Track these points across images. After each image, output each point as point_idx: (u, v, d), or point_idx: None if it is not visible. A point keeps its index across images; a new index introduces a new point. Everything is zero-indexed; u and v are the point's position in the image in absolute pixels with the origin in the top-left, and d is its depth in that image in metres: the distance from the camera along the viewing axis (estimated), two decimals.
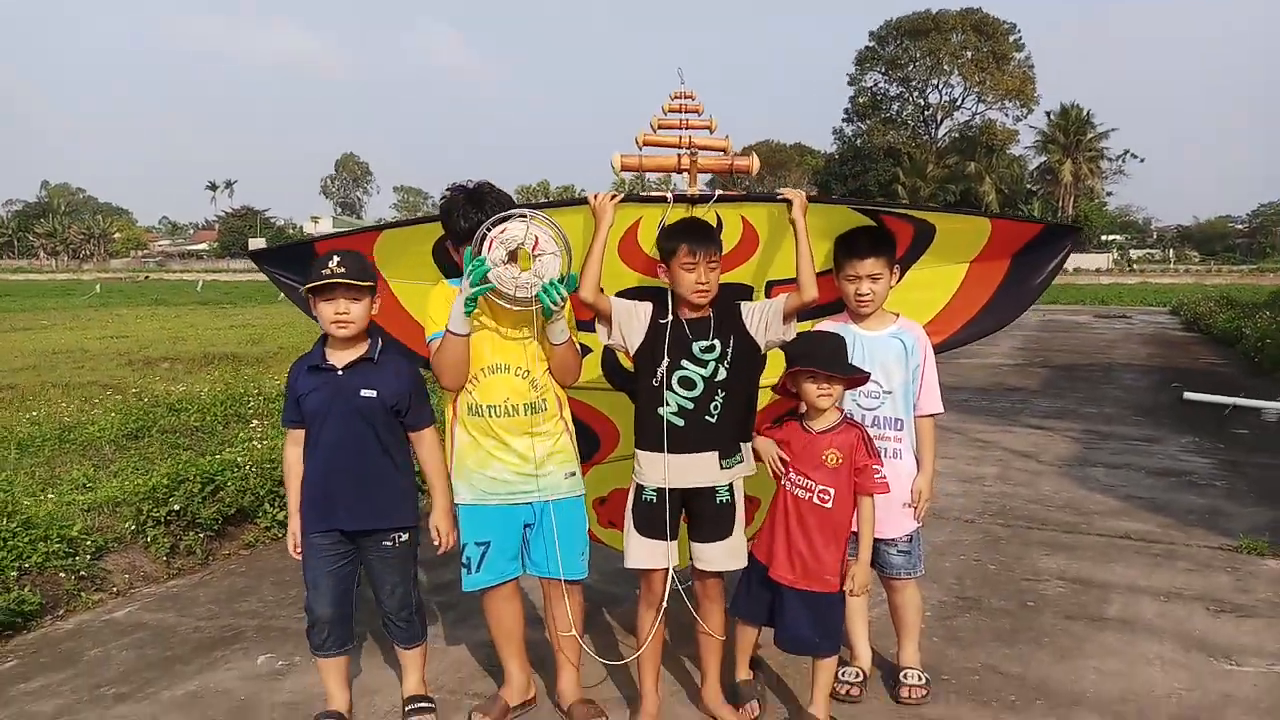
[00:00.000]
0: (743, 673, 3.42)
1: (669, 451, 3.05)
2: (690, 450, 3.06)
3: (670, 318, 3.09)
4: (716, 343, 3.06)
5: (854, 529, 3.12)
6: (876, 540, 3.22)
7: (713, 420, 3.06)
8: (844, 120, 67.63)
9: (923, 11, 62.67)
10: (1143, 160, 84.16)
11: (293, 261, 3.47)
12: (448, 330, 3.00)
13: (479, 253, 2.89)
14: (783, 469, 3.12)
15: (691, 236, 3.03)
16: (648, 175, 3.43)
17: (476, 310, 3.01)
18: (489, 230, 2.89)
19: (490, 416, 3.09)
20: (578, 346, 3.21)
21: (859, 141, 65.96)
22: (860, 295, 3.29)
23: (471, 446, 3.14)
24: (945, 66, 62.91)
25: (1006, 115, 63.53)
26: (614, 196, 3.07)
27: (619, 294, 3.24)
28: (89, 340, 15.83)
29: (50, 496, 5.24)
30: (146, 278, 55.61)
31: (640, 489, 3.14)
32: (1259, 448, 7.79)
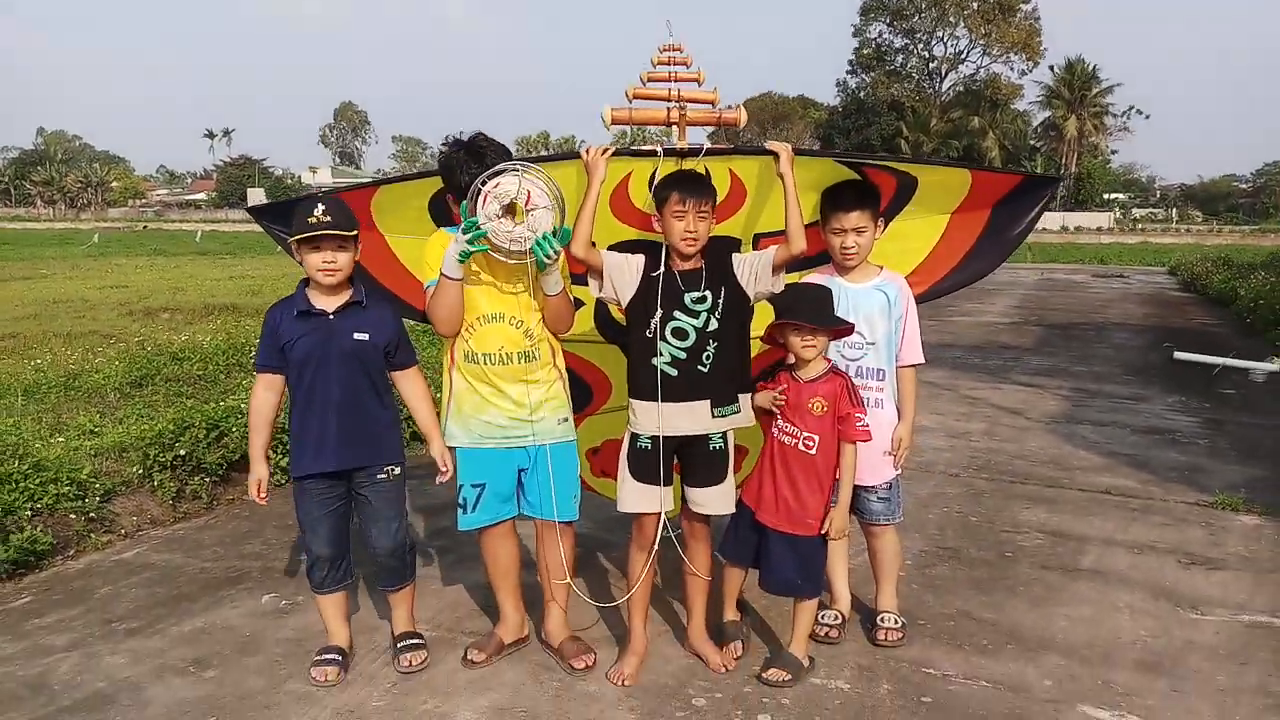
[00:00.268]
0: (729, 613, 3.56)
1: (663, 401, 3.13)
2: (684, 399, 3.15)
3: (662, 269, 3.15)
4: (708, 294, 3.13)
5: (837, 476, 3.23)
6: (857, 487, 3.33)
7: (705, 370, 3.14)
8: (848, 72, 66.86)
9: None
10: (1148, 117, 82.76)
11: (288, 216, 3.54)
12: (441, 274, 3.07)
13: (474, 208, 2.94)
14: (777, 411, 3.22)
15: (683, 185, 3.07)
16: (649, 128, 3.47)
17: (471, 261, 3.07)
18: (483, 185, 2.92)
19: (486, 364, 3.19)
20: (571, 298, 3.29)
21: (863, 94, 65.17)
22: (845, 248, 3.36)
23: (468, 392, 3.24)
24: (951, 18, 61.83)
25: (1011, 69, 62.71)
26: (605, 150, 3.11)
27: (611, 247, 3.30)
28: (89, 290, 15.88)
29: (59, 440, 5.36)
30: (145, 227, 55.17)
31: (635, 437, 3.23)
32: (1244, 407, 7.92)
